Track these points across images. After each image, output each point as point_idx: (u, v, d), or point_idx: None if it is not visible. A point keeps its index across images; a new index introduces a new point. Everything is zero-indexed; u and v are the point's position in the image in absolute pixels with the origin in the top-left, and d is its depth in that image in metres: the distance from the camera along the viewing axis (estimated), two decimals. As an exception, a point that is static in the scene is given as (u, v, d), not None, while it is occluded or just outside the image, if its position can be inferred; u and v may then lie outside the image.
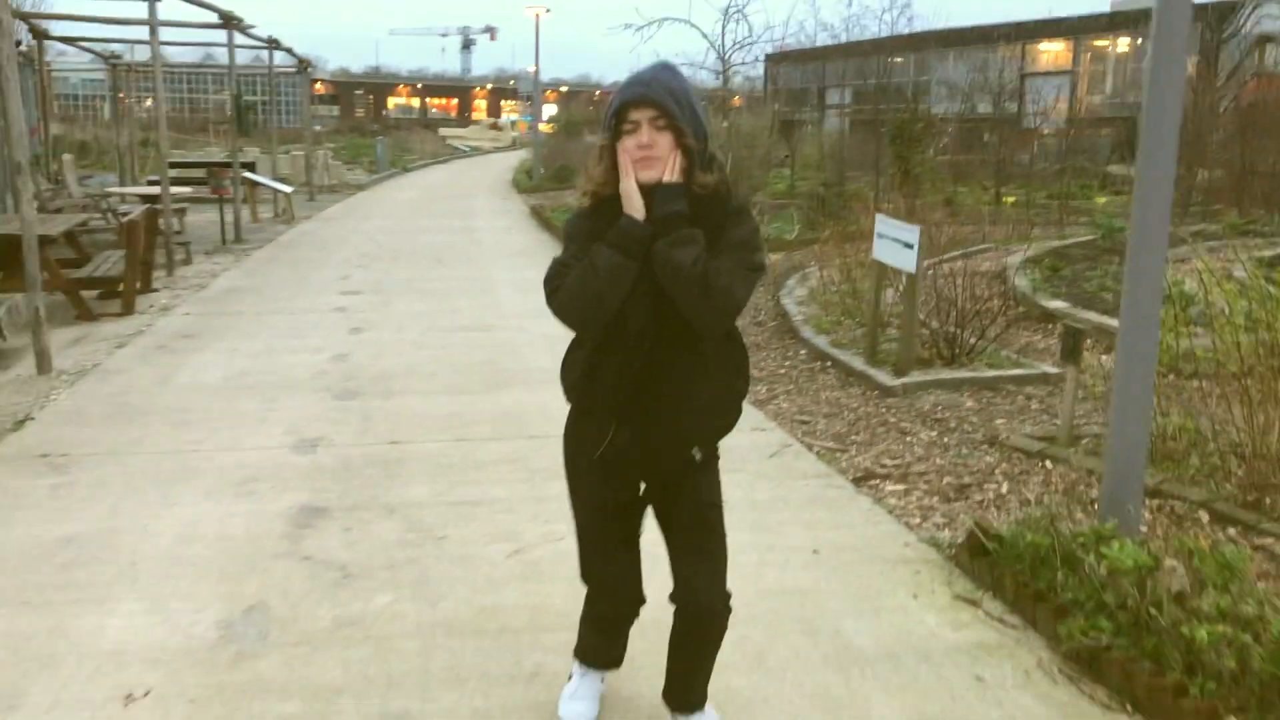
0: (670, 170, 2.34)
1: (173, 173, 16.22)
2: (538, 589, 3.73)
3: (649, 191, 2.36)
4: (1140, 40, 37.52)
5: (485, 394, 6.41)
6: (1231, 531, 4.06)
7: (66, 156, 15.25)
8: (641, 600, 2.78)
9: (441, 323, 8.62)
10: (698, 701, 2.77)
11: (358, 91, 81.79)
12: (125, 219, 9.26)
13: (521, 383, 6.66)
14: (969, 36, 44.32)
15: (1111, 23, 40.70)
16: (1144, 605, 3.06)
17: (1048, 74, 43.09)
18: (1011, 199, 17.71)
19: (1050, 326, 7.76)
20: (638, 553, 2.72)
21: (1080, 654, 3.17)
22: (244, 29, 14.13)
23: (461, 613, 3.56)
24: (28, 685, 3.08)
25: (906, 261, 6.40)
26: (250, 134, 19.55)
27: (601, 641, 2.91)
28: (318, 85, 65.67)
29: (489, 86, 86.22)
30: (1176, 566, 3.13)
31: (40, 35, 15.76)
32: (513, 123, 69.33)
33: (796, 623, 3.51)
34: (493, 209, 20.59)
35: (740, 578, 2.94)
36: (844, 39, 33.00)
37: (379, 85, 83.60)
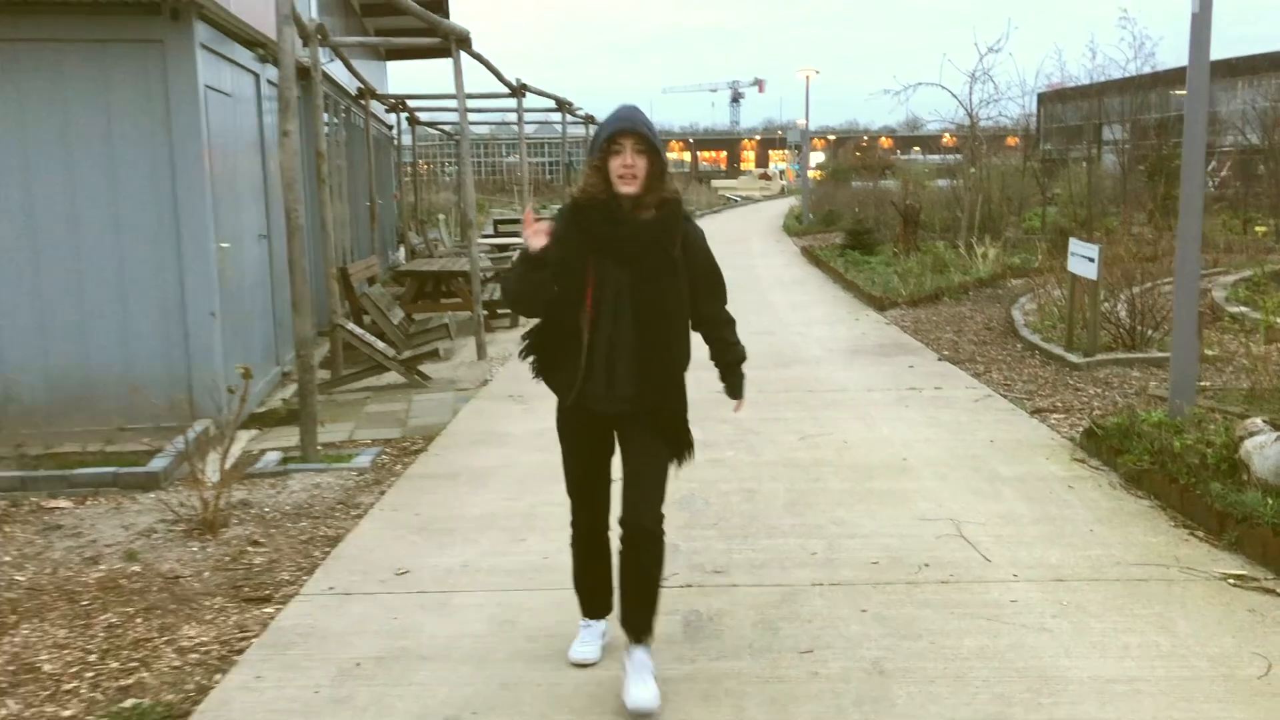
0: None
1: (507, 228, 20.40)
2: (816, 452, 6.60)
3: (629, 201, 3.27)
4: None
5: (774, 369, 9.34)
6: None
7: (440, 216, 19.77)
8: (608, 515, 3.68)
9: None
10: (643, 627, 3.48)
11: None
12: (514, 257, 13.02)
13: (800, 363, 9.56)
14: (1260, 64, 43.31)
15: None
16: (1163, 444, 5.55)
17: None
18: (1263, 229, 18.81)
19: (1225, 325, 9.82)
20: (607, 475, 3.65)
21: (1130, 475, 5.68)
22: (572, 110, 18.04)
23: (772, 459, 6.49)
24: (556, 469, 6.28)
25: (1090, 271, 8.82)
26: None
27: (593, 586, 3.75)
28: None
29: (757, 138, 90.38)
30: (1182, 426, 5.59)
31: (414, 121, 20.44)
32: (781, 171, 72.75)
33: (969, 464, 6.20)
34: (766, 250, 23.71)
35: (943, 446, 5.72)
36: (1116, 75, 33.71)
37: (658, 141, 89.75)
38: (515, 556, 4.89)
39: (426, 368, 9.57)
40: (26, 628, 4.24)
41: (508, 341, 11.42)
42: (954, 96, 20.58)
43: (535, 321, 3.58)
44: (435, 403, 8.37)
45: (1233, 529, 4.76)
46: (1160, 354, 8.75)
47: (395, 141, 21.00)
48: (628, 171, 3.25)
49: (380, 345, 9.24)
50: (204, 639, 4.12)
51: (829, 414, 7.56)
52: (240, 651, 3.99)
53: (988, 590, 4.41)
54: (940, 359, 9.59)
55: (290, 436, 7.22)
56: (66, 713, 3.56)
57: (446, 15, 16.26)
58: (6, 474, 6.12)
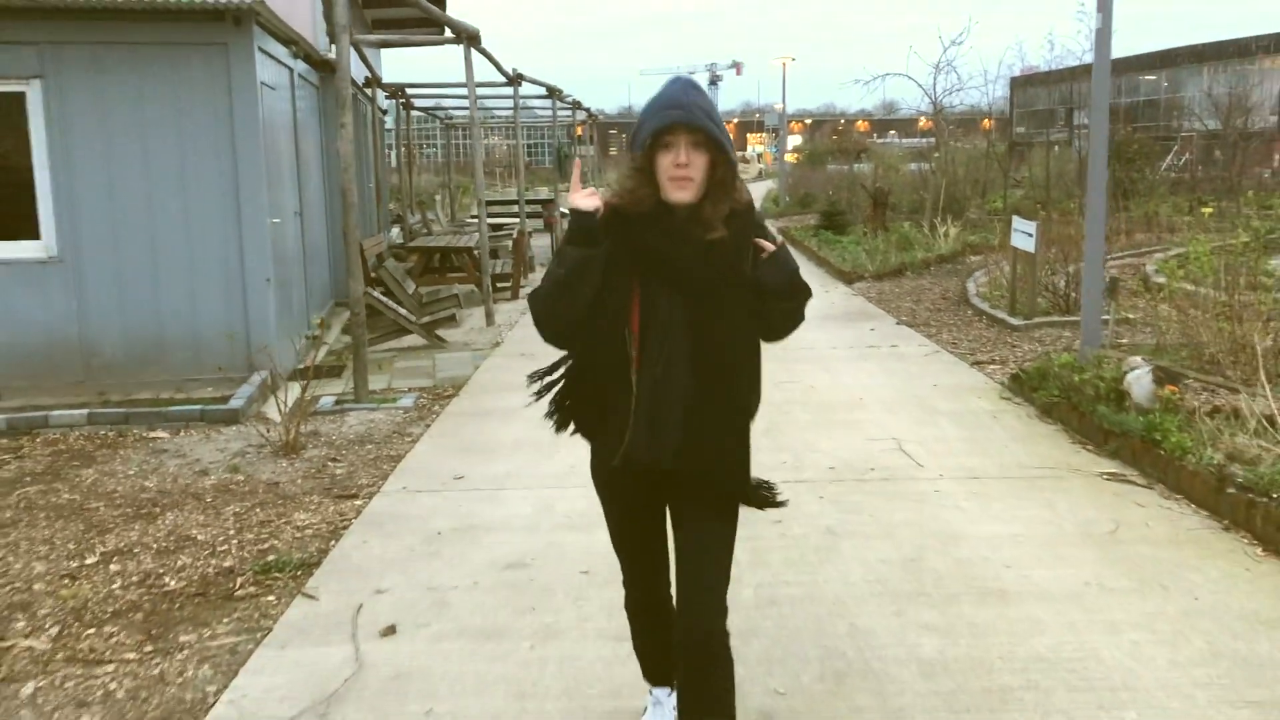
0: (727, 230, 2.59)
1: (496, 208, 21.58)
2: (787, 394, 7.89)
3: (686, 211, 2.57)
4: None
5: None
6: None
7: (436, 197, 20.98)
8: (668, 581, 2.96)
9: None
10: None
11: (611, 131, 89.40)
12: (514, 235, 14.25)
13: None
14: (1226, 50, 44.76)
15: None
16: (1069, 381, 6.90)
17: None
18: (1209, 210, 20.28)
19: (1150, 294, 11.20)
20: (663, 539, 2.91)
21: (1044, 407, 7.02)
22: (562, 97, 19.24)
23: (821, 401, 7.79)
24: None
25: (1029, 245, 10.16)
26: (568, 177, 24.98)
27: (658, 654, 3.09)
28: (579, 128, 73.69)
29: (735, 121, 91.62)
30: (1084, 365, 6.94)
31: (409, 106, 21.58)
32: (759, 155, 74.09)
33: (914, 402, 7.54)
34: (746, 232, 25.05)
35: (893, 389, 7.03)
36: (1073, 64, 35.14)
37: (632, 124, 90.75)
38: (547, 466, 6.18)
39: (441, 333, 10.82)
40: (171, 515, 5.50)
41: (510, 310, 12.68)
42: (919, 86, 21.85)
43: (554, 359, 2.94)
44: (456, 360, 9.63)
45: (1113, 441, 6.12)
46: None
47: (386, 125, 22.15)
48: (681, 173, 2.53)
49: (403, 310, 10.48)
50: (313, 521, 5.39)
51: (799, 367, 8.87)
52: (345, 528, 5.27)
53: (918, 485, 5.75)
54: (899, 323, 10.94)
55: (334, 387, 8.46)
56: (227, 563, 4.84)
57: (444, 6, 17.42)
58: (111, 410, 7.35)
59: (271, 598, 4.47)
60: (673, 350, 2.63)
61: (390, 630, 4.10)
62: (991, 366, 8.71)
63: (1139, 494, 5.52)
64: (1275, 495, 4.96)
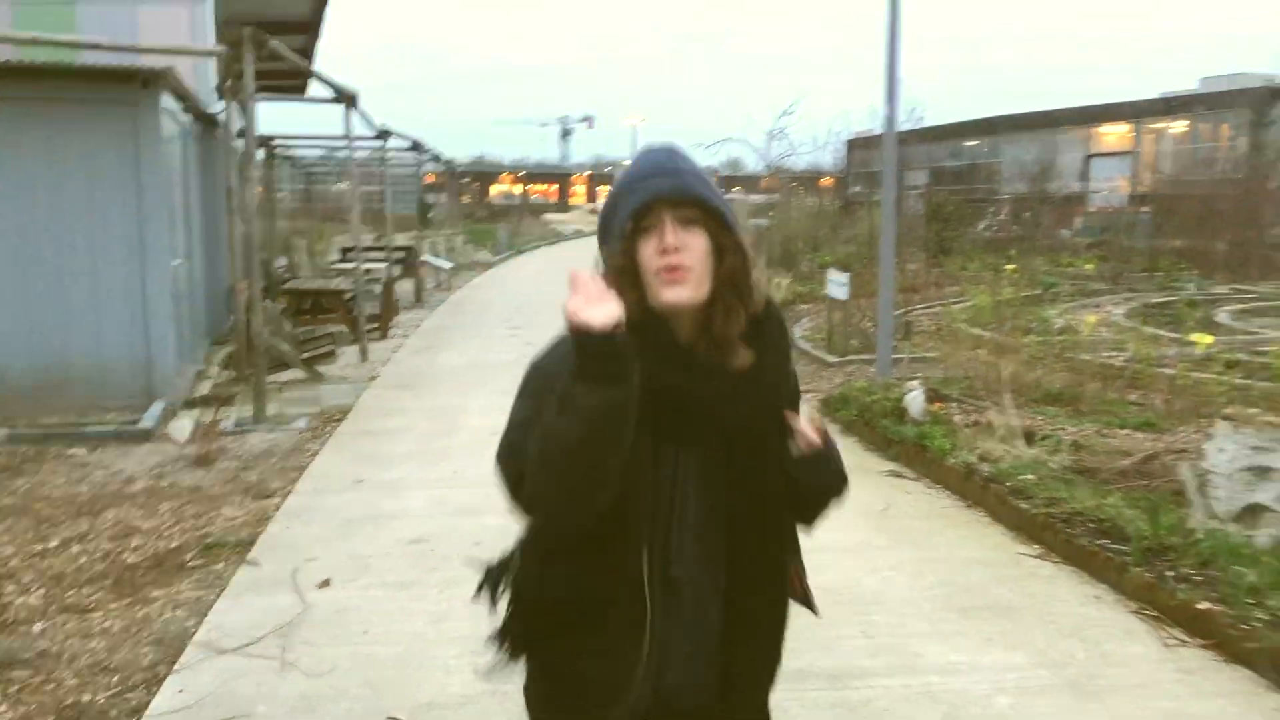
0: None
1: (365, 254, 22.47)
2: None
3: (679, 319, 1.83)
4: (1191, 124, 42.03)
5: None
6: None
7: (301, 242, 21.74)
8: None
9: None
10: None
11: (464, 179, 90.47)
12: (384, 280, 15.35)
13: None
14: (1036, 121, 49.06)
15: (1168, 107, 44.93)
16: (864, 403, 8.51)
17: (1109, 155, 47.76)
18: (1012, 267, 22.86)
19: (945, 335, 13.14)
20: None
21: (845, 424, 8.62)
22: (423, 150, 20.43)
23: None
24: (449, 429, 8.75)
25: (842, 294, 11.92)
26: (430, 226, 26.02)
27: None
28: (430, 176, 74.45)
29: (587, 173, 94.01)
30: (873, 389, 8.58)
31: (272, 155, 22.36)
32: (610, 206, 76.10)
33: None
34: (599, 280, 26.59)
35: None
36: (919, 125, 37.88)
37: (484, 173, 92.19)
38: (434, 472, 7.38)
39: (320, 368, 11.83)
40: (112, 512, 6.48)
41: (381, 349, 13.75)
42: (755, 150, 23.97)
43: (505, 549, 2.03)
44: (338, 390, 10.69)
45: (894, 448, 7.72)
46: (896, 356, 11.90)
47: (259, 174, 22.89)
48: (671, 260, 1.81)
49: (285, 346, 11.47)
50: (240, 514, 6.47)
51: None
52: (269, 519, 6.36)
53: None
54: (735, 361, 12.49)
55: (228, 414, 9.42)
56: (174, 544, 5.88)
57: (311, 59, 18.46)
58: (30, 431, 8.18)
59: (220, 565, 5.56)
60: (683, 531, 1.86)
61: (326, 583, 5.26)
62: (807, 394, 10.32)
63: (909, 485, 7.11)
64: (1007, 483, 6.59)
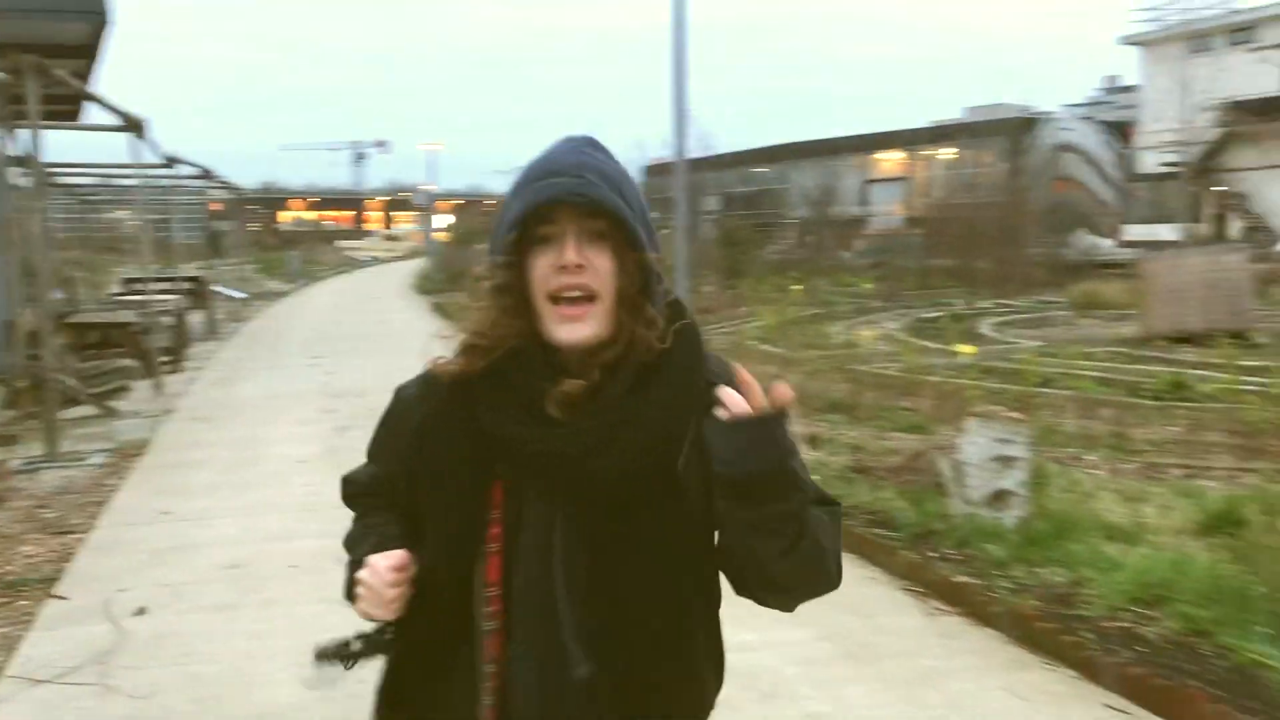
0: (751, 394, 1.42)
1: (143, 285, 21.64)
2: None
3: (581, 359, 1.52)
4: (958, 151, 45.32)
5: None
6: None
7: (76, 275, 20.68)
8: None
9: (374, 366, 14.41)
10: None
11: (250, 206, 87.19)
12: (176, 311, 14.92)
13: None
14: (820, 148, 51.65)
15: (936, 135, 48.21)
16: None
17: (886, 180, 50.93)
18: (798, 288, 24.19)
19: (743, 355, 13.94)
20: None
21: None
22: (213, 178, 19.91)
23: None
24: (253, 459, 8.72)
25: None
26: (223, 255, 25.19)
27: None
28: (213, 204, 71.15)
29: (383, 199, 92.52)
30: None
31: (45, 184, 21.27)
32: (407, 234, 75.47)
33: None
34: (399, 306, 26.49)
35: None
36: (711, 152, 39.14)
37: (272, 199, 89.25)
38: (242, 501, 7.40)
39: (112, 403, 11.45)
40: (-103, 556, 6.23)
41: (175, 382, 13.41)
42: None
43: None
44: (133, 425, 10.41)
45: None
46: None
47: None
48: (572, 281, 1.50)
49: (73, 383, 11.06)
50: (40, 550, 6.34)
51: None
52: (72, 554, 6.27)
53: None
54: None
55: (12, 454, 9.07)
56: (-28, 584, 5.74)
57: (89, 84, 17.71)
58: None
59: (25, 602, 5.48)
60: (553, 602, 1.53)
61: (141, 611, 5.29)
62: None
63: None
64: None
